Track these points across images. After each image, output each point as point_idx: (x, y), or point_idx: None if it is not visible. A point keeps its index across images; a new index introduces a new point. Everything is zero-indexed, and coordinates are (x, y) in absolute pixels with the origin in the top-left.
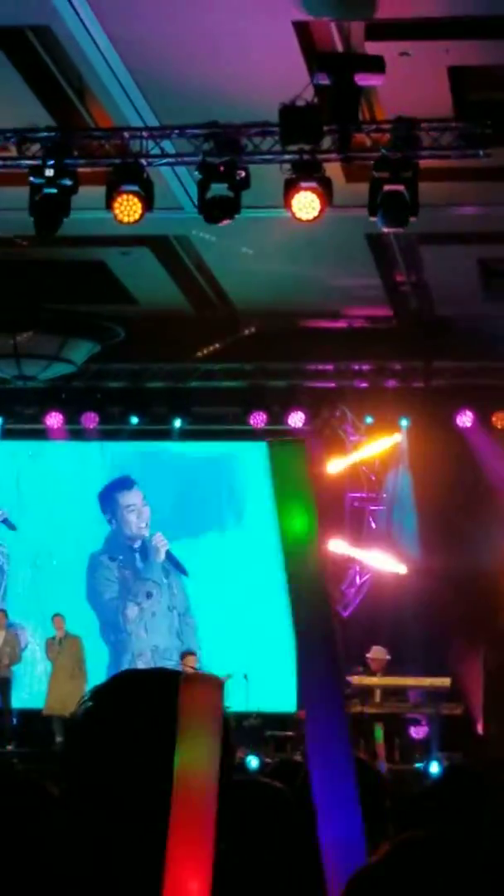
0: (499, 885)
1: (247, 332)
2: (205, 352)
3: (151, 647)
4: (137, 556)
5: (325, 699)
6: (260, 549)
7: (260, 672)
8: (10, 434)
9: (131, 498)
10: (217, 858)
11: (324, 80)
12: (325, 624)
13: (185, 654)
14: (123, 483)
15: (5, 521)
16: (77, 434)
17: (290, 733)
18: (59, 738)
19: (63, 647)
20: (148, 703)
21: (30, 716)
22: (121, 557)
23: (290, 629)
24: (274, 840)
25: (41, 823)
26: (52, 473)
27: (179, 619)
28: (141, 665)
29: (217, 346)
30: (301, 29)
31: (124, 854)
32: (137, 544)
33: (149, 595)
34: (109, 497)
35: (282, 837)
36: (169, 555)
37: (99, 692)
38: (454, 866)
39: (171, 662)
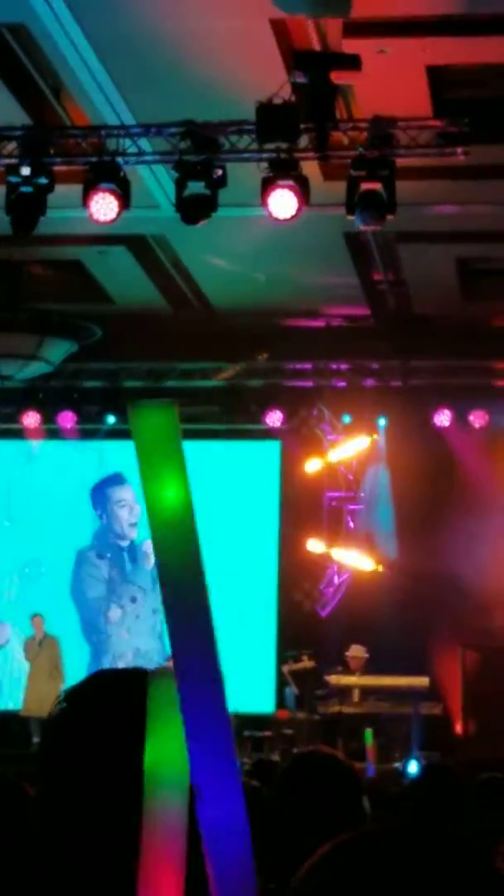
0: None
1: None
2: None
3: (133, 649)
4: (126, 556)
5: (199, 681)
6: (242, 551)
7: (237, 673)
8: None
9: (123, 493)
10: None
11: (301, 79)
12: (200, 604)
13: (170, 658)
14: (116, 479)
15: None
16: (54, 434)
17: (267, 733)
18: (35, 740)
19: (41, 648)
20: (122, 702)
21: (6, 717)
22: (109, 556)
23: (268, 630)
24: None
25: (17, 823)
26: (42, 472)
27: (163, 621)
28: (121, 666)
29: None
30: (278, 27)
31: (99, 854)
32: (126, 543)
33: (133, 599)
34: (101, 492)
35: (257, 835)
36: None
37: (73, 692)
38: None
39: (152, 664)
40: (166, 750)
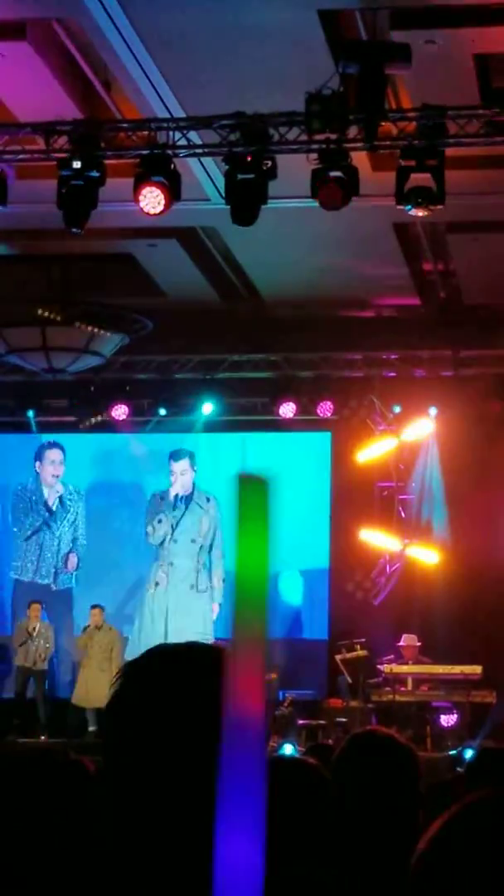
0: None
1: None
2: None
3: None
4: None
5: (242, 740)
6: (294, 542)
7: (291, 661)
8: (40, 427)
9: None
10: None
11: (350, 69)
12: (258, 655)
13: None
14: (178, 453)
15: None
16: (105, 426)
17: (321, 721)
18: (91, 728)
19: (97, 638)
20: (181, 675)
21: (63, 705)
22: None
23: (321, 619)
24: (312, 811)
25: (80, 801)
26: (114, 464)
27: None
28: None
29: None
30: (327, 18)
31: (163, 829)
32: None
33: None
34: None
35: (319, 809)
36: None
37: (132, 667)
38: None
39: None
40: (253, 551)
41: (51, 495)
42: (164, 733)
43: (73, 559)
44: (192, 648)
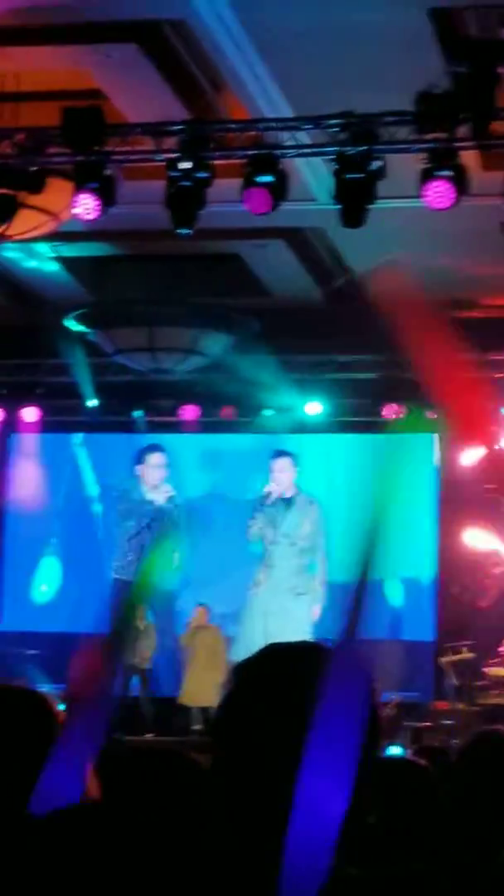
0: None
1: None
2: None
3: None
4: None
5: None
6: (400, 543)
7: (397, 663)
8: (146, 427)
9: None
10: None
11: (461, 68)
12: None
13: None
14: (278, 452)
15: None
16: (213, 426)
17: (427, 724)
18: (195, 727)
19: (202, 637)
20: (292, 674)
21: (167, 704)
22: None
23: (426, 621)
24: (420, 810)
25: (192, 797)
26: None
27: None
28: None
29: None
30: (437, 16)
31: (273, 826)
32: None
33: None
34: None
35: (428, 808)
36: None
37: (244, 666)
38: None
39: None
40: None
41: (154, 496)
42: (276, 731)
43: (175, 559)
44: (301, 648)
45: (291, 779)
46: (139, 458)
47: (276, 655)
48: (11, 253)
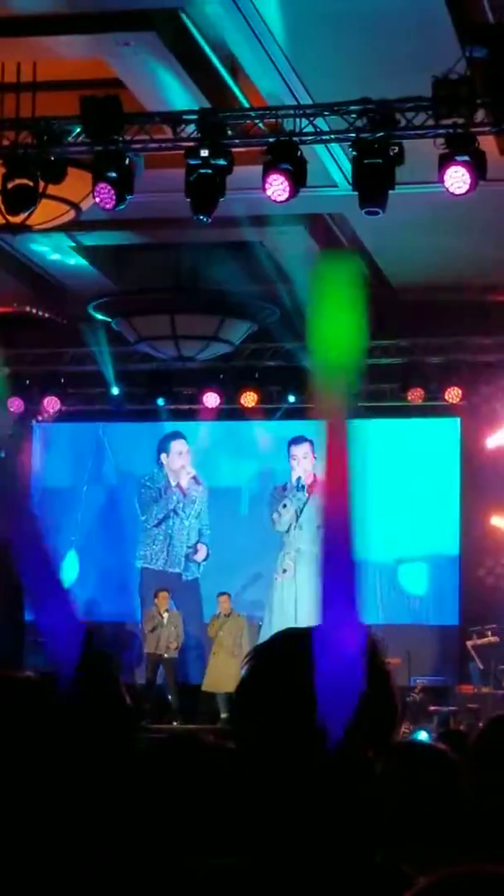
0: None
1: None
2: None
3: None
4: None
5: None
6: (424, 528)
7: (421, 648)
8: (169, 415)
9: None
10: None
11: (477, 53)
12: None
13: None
14: (298, 438)
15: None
16: (234, 413)
17: (452, 708)
18: (223, 715)
19: (227, 626)
20: (307, 655)
21: (192, 692)
22: None
23: (451, 605)
24: (438, 796)
25: (216, 779)
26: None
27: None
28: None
29: None
30: (453, 1)
31: (295, 805)
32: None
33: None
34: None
35: (446, 794)
36: None
37: (261, 649)
38: None
39: None
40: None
41: (178, 484)
42: (291, 713)
43: (202, 550)
44: (315, 630)
45: (306, 755)
46: (162, 447)
47: (291, 639)
48: (33, 244)
